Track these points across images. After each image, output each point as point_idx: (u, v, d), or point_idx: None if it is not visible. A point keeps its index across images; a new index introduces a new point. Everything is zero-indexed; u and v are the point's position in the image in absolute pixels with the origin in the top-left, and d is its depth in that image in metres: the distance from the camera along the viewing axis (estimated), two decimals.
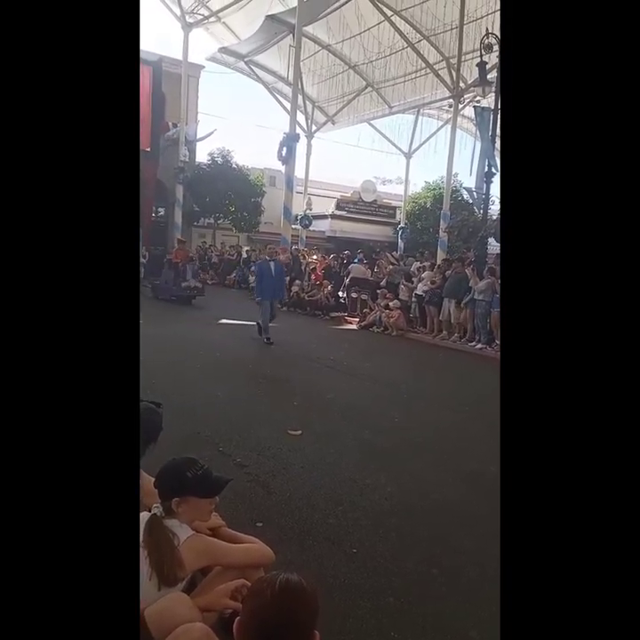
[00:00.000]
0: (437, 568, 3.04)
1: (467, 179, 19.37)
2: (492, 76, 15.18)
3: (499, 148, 13.25)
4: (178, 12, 23.67)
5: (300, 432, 5.07)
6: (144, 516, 2.09)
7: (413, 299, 13.30)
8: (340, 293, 15.79)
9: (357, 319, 14.19)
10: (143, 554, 1.96)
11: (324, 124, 28.69)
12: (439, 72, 20.99)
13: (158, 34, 58.63)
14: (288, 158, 16.88)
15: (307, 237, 27.25)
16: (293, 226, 20.93)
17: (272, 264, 10.27)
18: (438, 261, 14.74)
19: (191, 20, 24.11)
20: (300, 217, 25.31)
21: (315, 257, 18.52)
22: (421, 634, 2.53)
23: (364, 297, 14.73)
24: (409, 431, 5.53)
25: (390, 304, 13.20)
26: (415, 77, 22.93)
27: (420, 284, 13.10)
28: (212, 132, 25.63)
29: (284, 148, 16.69)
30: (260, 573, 1.98)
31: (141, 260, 17.86)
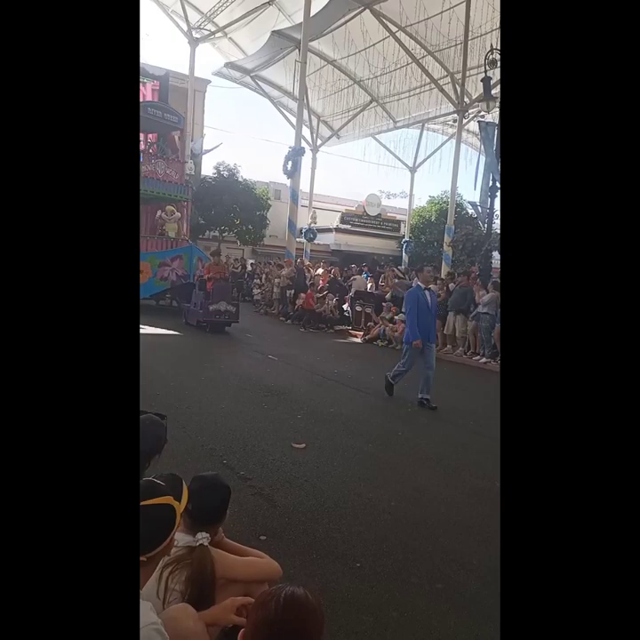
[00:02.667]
0: (441, 582, 3.02)
1: (471, 193, 19.49)
2: (497, 91, 15.32)
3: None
4: (185, 27, 23.95)
5: (304, 445, 5.07)
6: None
7: None
8: (345, 306, 15.82)
9: (362, 332, 14.19)
10: (180, 575, 1.98)
11: (329, 138, 28.89)
12: (444, 87, 21.13)
13: (165, 49, 59.26)
14: (293, 172, 17.00)
15: (311, 251, 27.34)
16: (298, 239, 21.03)
17: (428, 293, 7.34)
18: (442, 275, 14.77)
19: (198, 36, 24.38)
20: (304, 230, 25.41)
21: (320, 270, 18.55)
22: None
23: (368, 310, 14.75)
24: (413, 445, 5.51)
25: (395, 317, 13.19)
26: (420, 92, 23.10)
27: None
28: (218, 146, 25.83)
29: (290, 162, 16.83)
30: (266, 587, 1.98)
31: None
